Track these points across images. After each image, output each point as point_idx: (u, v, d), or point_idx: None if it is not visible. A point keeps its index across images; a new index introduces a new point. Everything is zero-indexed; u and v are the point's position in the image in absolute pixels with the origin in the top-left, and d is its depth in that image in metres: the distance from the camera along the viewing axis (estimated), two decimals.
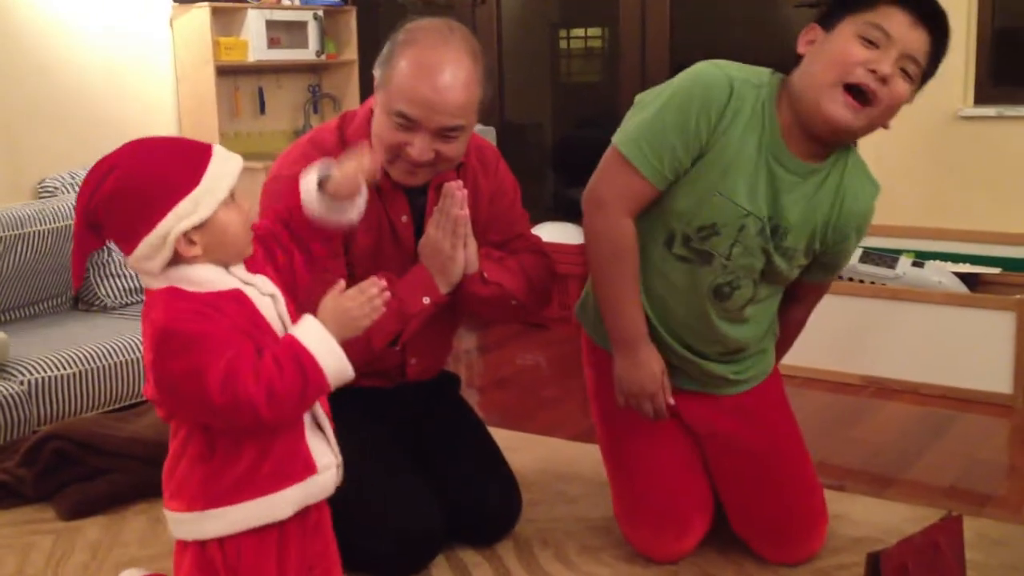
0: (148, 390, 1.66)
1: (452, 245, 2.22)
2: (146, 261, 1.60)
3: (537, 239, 2.51)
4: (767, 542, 2.37)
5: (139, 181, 1.57)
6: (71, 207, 3.63)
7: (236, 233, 1.64)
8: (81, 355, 3.26)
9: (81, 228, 1.63)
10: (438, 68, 2.11)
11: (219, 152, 1.64)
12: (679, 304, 2.24)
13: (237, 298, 1.63)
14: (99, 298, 3.82)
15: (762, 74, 2.15)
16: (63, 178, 3.93)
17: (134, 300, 3.85)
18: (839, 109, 2.00)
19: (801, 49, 2.10)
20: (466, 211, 2.21)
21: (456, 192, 2.20)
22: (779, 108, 2.10)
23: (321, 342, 1.61)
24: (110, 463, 2.77)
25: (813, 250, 2.21)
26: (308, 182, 1.80)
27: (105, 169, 1.60)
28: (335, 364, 1.62)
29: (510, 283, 2.34)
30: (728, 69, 2.12)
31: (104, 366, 3.29)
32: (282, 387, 1.56)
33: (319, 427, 1.74)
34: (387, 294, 1.69)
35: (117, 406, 3.32)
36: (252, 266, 1.71)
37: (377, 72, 2.20)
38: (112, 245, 1.67)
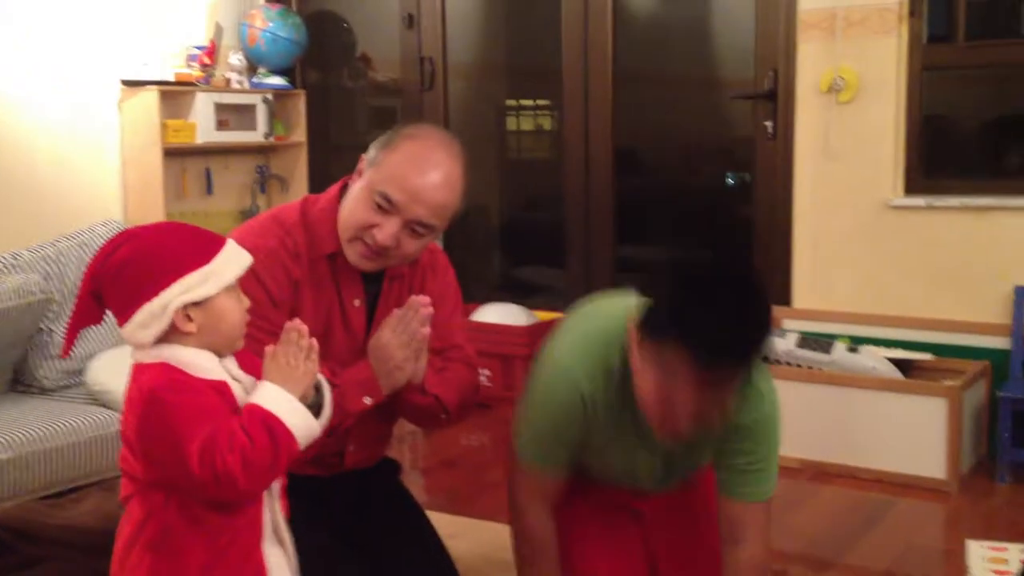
0: (123, 455, 1.66)
1: (404, 356, 2.23)
2: (141, 329, 1.62)
3: (471, 352, 2.53)
4: None
5: (152, 251, 1.63)
6: (13, 288, 3.60)
7: (233, 322, 1.67)
8: (19, 440, 3.21)
9: (85, 296, 1.66)
10: (432, 165, 2.20)
11: (231, 244, 1.71)
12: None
13: (221, 390, 1.64)
14: (37, 380, 3.76)
15: (609, 358, 2.07)
16: (5, 259, 3.89)
17: (73, 382, 3.79)
18: (668, 438, 2.00)
19: (629, 353, 1.99)
20: (427, 330, 2.22)
21: (421, 309, 2.21)
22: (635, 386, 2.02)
23: (283, 403, 1.63)
24: (45, 551, 2.71)
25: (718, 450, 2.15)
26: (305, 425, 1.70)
27: (122, 239, 1.65)
28: (301, 422, 1.64)
29: (446, 397, 2.36)
30: (576, 379, 2.08)
31: (42, 450, 3.23)
32: (255, 455, 1.57)
33: (279, 539, 1.72)
34: (311, 340, 1.70)
35: (54, 492, 3.25)
36: (244, 365, 1.73)
37: (371, 152, 2.25)
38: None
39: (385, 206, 2.18)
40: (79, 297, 1.68)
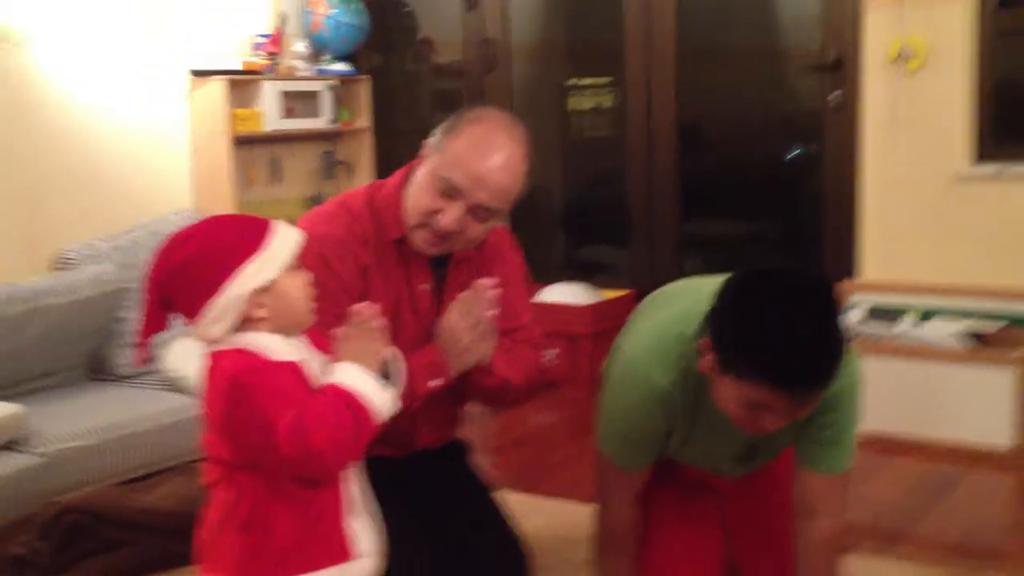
0: (208, 441, 1.70)
1: (472, 339, 2.26)
2: (214, 325, 1.66)
3: (537, 333, 2.55)
4: None
5: (207, 248, 1.66)
6: (87, 278, 3.70)
7: (298, 299, 1.71)
8: (99, 426, 3.31)
9: (153, 304, 1.70)
10: (496, 149, 2.22)
11: (281, 225, 1.74)
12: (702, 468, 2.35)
13: (295, 370, 1.67)
14: (114, 368, 3.87)
15: (686, 358, 2.03)
16: (81, 249, 4.00)
17: (149, 369, 3.87)
18: (748, 430, 1.96)
19: (703, 366, 1.94)
20: (494, 312, 2.24)
21: (488, 292, 2.23)
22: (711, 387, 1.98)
23: (362, 381, 1.67)
24: (126, 535, 2.80)
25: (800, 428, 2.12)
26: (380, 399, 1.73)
27: (178, 242, 1.69)
28: (379, 399, 1.68)
29: (513, 378, 2.38)
30: (651, 376, 2.06)
31: (121, 436, 3.33)
32: (340, 433, 1.61)
33: (362, 511, 1.76)
34: (383, 319, 1.74)
35: (133, 476, 3.35)
36: (314, 345, 1.77)
37: (435, 138, 2.27)
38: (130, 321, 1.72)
39: (449, 191, 2.20)
40: (147, 307, 1.71)
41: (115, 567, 2.74)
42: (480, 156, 2.21)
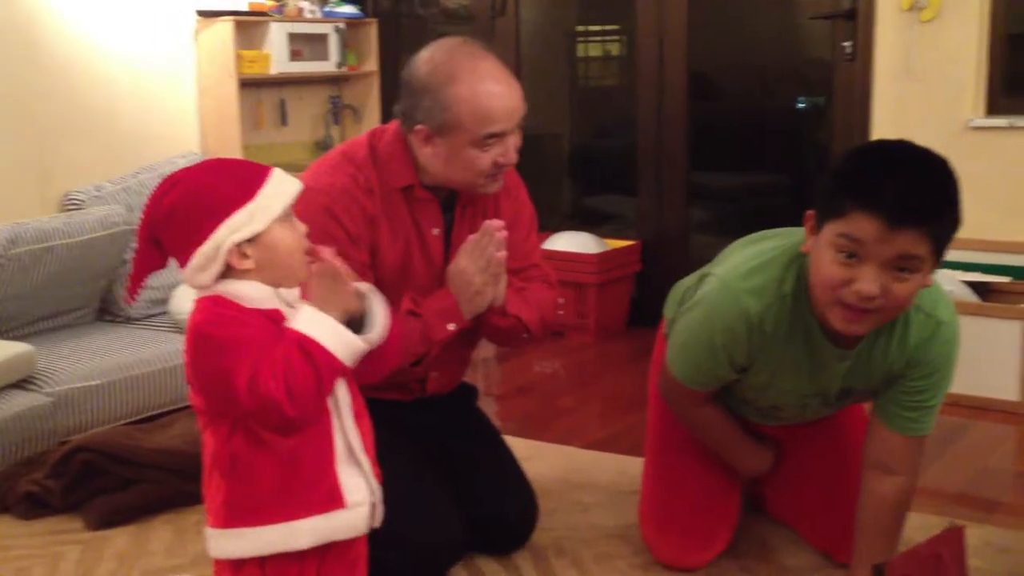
0: (190, 391, 1.71)
1: (483, 281, 2.27)
2: (199, 272, 1.65)
3: (549, 271, 2.56)
4: (829, 535, 2.42)
5: (197, 194, 1.64)
6: (97, 219, 3.70)
7: (289, 252, 1.68)
8: (107, 367, 3.33)
9: (144, 243, 1.70)
10: (494, 78, 2.23)
11: (277, 173, 1.70)
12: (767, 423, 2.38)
13: (275, 318, 1.66)
14: (123, 309, 3.88)
15: (784, 280, 2.01)
16: (88, 191, 4.00)
17: (159, 311, 3.91)
18: (842, 324, 1.89)
19: (805, 247, 1.95)
20: (503, 253, 2.25)
21: (496, 233, 2.24)
22: (812, 302, 1.97)
23: (318, 324, 1.63)
24: (137, 474, 2.82)
25: (888, 382, 2.11)
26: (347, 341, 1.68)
27: (168, 185, 1.67)
28: (339, 341, 1.64)
29: (528, 317, 2.39)
30: (743, 298, 2.01)
31: (130, 377, 3.35)
32: (296, 380, 1.59)
33: (355, 460, 1.73)
34: (344, 264, 1.70)
35: (143, 417, 3.38)
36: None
37: (429, 123, 2.23)
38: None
39: (493, 140, 2.22)
40: (139, 245, 1.71)
41: (126, 505, 2.76)
42: (491, 94, 2.21)
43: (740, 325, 2.02)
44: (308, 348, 1.61)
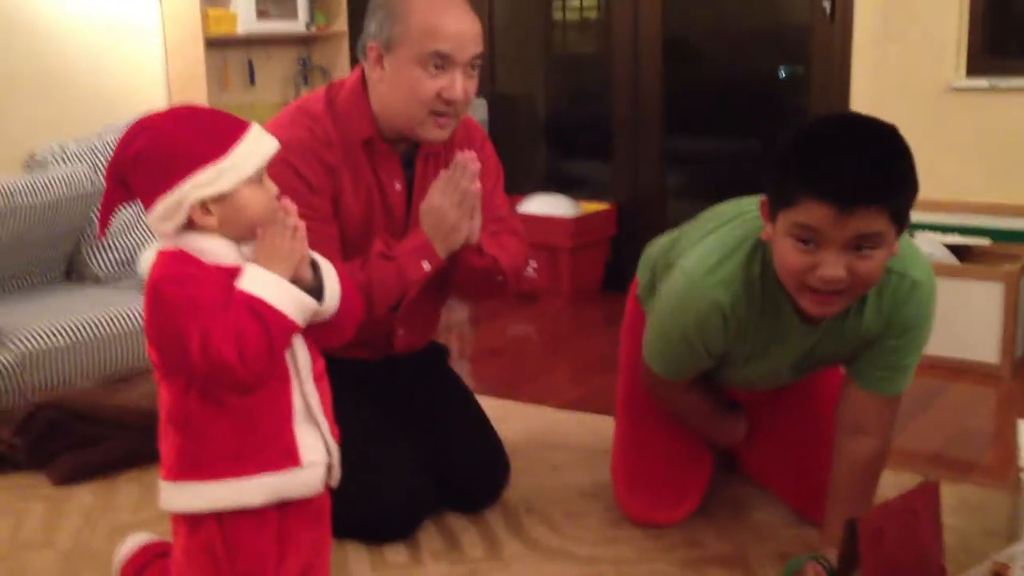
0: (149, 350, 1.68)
1: (458, 216, 2.22)
2: (161, 222, 1.62)
3: (517, 224, 2.52)
4: (802, 494, 2.40)
5: (167, 144, 1.60)
6: (62, 178, 3.63)
7: (256, 212, 1.64)
8: (73, 326, 3.28)
9: (110, 182, 1.66)
10: (452, 2, 2.22)
11: (254, 131, 1.66)
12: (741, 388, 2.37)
13: (224, 278, 1.62)
14: (91, 269, 3.83)
15: (751, 265, 1.98)
16: (52, 149, 3.92)
17: (126, 272, 3.86)
18: (815, 308, 1.87)
19: (765, 235, 1.92)
20: (477, 185, 2.21)
21: (469, 164, 2.20)
22: (776, 267, 1.93)
23: (266, 283, 1.61)
24: (102, 432, 2.80)
25: (864, 345, 2.07)
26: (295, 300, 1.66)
27: (139, 129, 1.63)
28: (287, 298, 1.61)
29: (503, 258, 2.36)
30: (712, 292, 1.98)
31: (96, 336, 3.31)
32: (247, 341, 1.56)
33: (313, 420, 1.72)
34: (298, 220, 1.65)
35: (110, 376, 3.34)
36: None
37: (379, 38, 2.22)
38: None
39: (439, 64, 2.18)
40: (106, 183, 1.68)
41: (91, 462, 2.73)
42: (446, 14, 2.19)
43: (713, 317, 2.00)
44: (257, 308, 1.58)
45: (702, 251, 2.04)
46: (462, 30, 2.19)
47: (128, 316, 3.41)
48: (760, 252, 1.97)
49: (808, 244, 1.78)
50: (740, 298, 1.98)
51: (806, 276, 1.81)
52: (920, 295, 2.00)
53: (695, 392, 2.30)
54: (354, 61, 5.22)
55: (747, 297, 1.98)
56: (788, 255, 1.82)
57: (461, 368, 3.41)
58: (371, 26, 2.24)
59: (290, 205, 1.67)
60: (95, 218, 3.81)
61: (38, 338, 3.17)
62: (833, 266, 1.77)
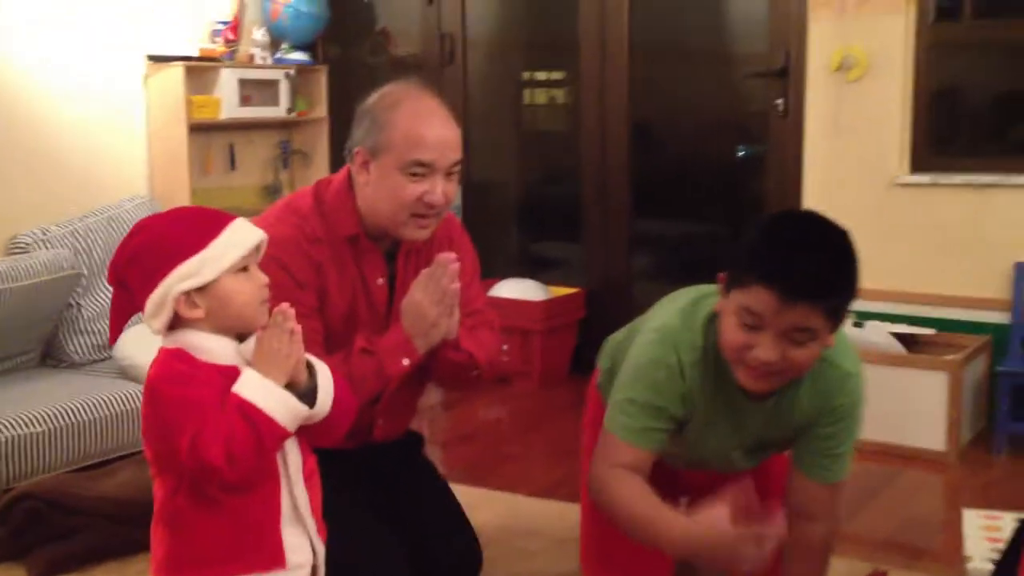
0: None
1: (438, 313, 2.31)
2: (151, 319, 1.68)
3: (492, 316, 2.62)
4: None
5: (156, 241, 1.68)
6: (42, 263, 3.69)
7: (244, 303, 1.69)
8: (51, 413, 3.29)
9: (112, 284, 1.74)
10: (433, 112, 2.33)
11: (237, 223, 1.72)
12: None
13: (230, 375, 1.65)
14: (67, 355, 3.86)
15: (708, 336, 2.08)
16: (34, 234, 3.97)
17: (102, 357, 3.89)
18: (748, 382, 2.00)
19: (716, 307, 2.05)
20: (457, 285, 2.30)
21: (449, 265, 2.30)
22: (720, 337, 2.04)
23: (260, 389, 1.63)
24: (82, 522, 2.82)
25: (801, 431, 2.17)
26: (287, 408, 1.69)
27: (136, 229, 1.72)
28: (280, 406, 1.64)
29: (478, 354, 2.45)
30: (678, 346, 2.09)
31: (74, 423, 3.32)
32: (237, 445, 1.59)
33: (300, 521, 1.74)
34: (295, 324, 1.68)
35: (88, 463, 3.35)
36: None
37: (366, 144, 2.32)
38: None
39: (421, 171, 2.29)
40: (113, 289, 1.75)
41: (71, 554, 2.76)
42: (428, 124, 2.30)
43: (674, 370, 2.10)
44: (249, 414, 1.61)
45: (668, 314, 2.17)
46: (444, 139, 2.31)
47: (106, 403, 3.44)
48: (715, 324, 2.09)
49: (750, 326, 1.93)
50: (695, 366, 2.09)
51: (743, 353, 1.95)
52: (851, 385, 2.12)
53: (645, 487, 2.19)
54: (334, 145, 5.36)
55: (702, 363, 2.10)
56: (731, 331, 1.97)
57: (434, 454, 3.49)
58: (358, 132, 2.36)
59: (288, 309, 1.70)
60: (74, 302, 3.89)
61: (15, 426, 3.18)
62: (768, 350, 1.92)
